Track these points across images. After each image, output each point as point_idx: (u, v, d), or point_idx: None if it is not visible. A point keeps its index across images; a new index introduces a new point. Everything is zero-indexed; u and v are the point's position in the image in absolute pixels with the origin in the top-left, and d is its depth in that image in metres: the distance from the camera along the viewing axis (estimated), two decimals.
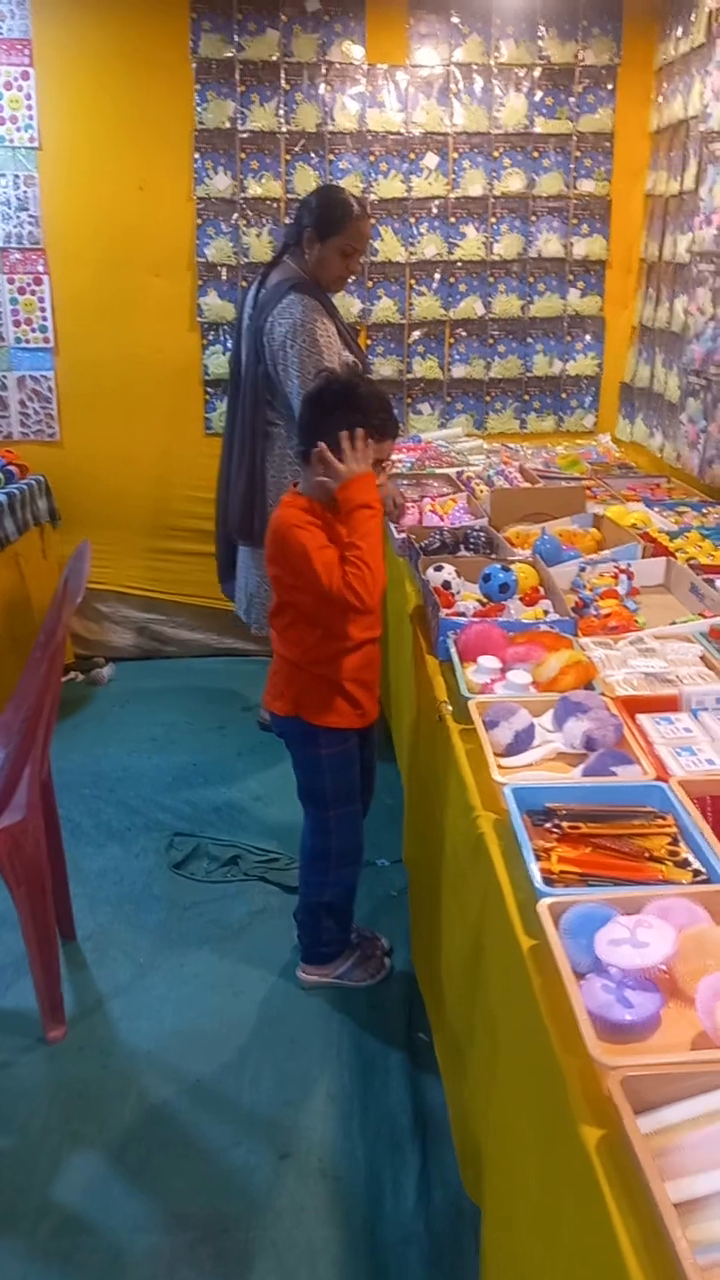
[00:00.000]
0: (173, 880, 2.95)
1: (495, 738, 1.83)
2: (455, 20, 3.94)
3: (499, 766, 1.78)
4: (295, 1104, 2.21)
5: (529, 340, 4.30)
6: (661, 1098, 1.12)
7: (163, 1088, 2.25)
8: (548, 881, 1.44)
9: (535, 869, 1.44)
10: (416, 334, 4.24)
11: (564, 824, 1.57)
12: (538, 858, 1.49)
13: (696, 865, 1.48)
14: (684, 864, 1.49)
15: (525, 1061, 1.36)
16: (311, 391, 2.20)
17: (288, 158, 4.02)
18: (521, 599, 2.44)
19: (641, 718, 1.87)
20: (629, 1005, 1.24)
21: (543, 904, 1.37)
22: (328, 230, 3.05)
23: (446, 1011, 2.01)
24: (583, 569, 2.59)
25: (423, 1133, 2.13)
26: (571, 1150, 1.13)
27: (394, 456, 3.84)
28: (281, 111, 3.97)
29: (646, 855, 1.51)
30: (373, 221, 4.06)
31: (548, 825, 1.59)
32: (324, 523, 2.18)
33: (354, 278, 3.24)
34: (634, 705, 1.91)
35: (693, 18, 3.57)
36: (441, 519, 3.10)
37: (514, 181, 4.13)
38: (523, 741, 1.84)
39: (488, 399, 4.36)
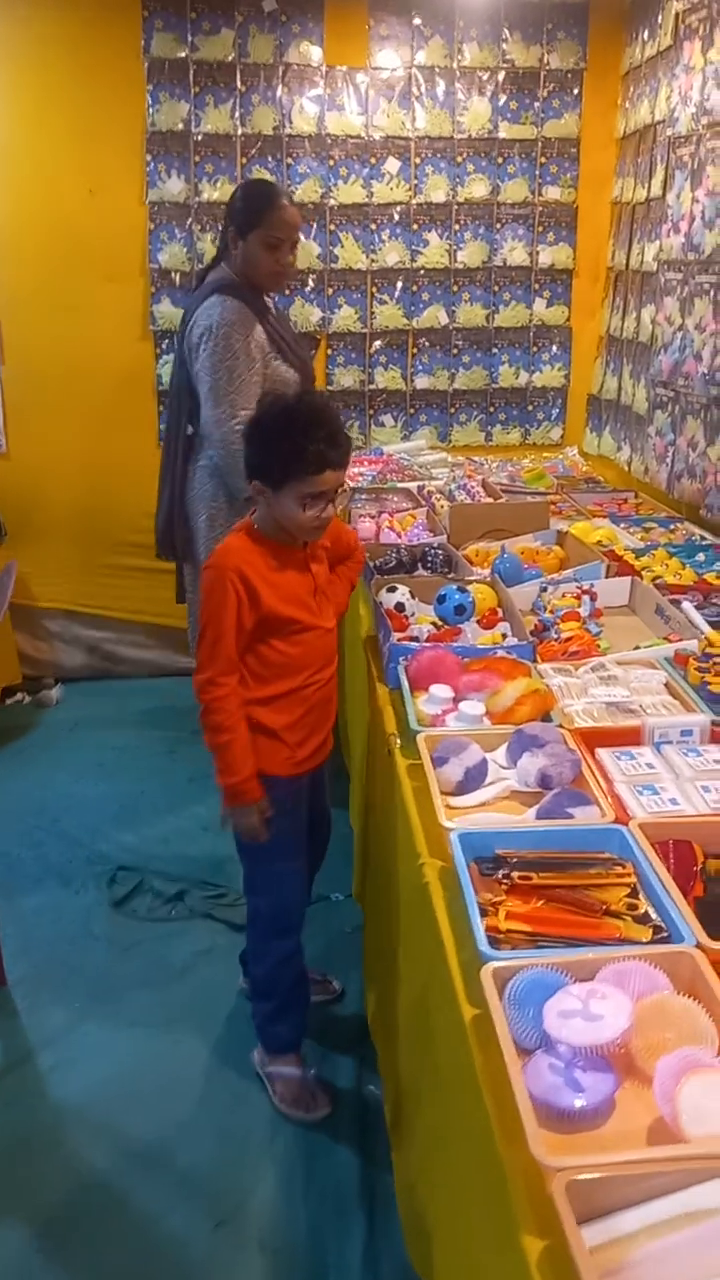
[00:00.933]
0: (114, 918, 2.79)
1: (444, 775, 1.70)
2: (417, 22, 3.83)
3: (448, 807, 1.65)
4: (234, 1165, 2.05)
5: (494, 351, 4.18)
6: (614, 1201, 0.98)
7: (93, 1148, 2.09)
8: (493, 941, 1.30)
9: (480, 928, 1.30)
10: (378, 343, 4.12)
11: (514, 874, 1.43)
12: (484, 913, 1.36)
13: (657, 920, 1.35)
14: (643, 919, 1.36)
15: (468, 1149, 1.22)
16: (251, 420, 1.98)
17: (244, 161, 3.89)
18: (479, 622, 2.31)
19: (601, 752, 1.74)
20: (579, 1089, 1.10)
21: (486, 970, 1.23)
22: (248, 224, 2.83)
23: (397, 1068, 1.87)
24: (544, 589, 2.46)
25: (370, 1197, 1.98)
26: (514, 1261, 0.99)
27: (354, 469, 3.72)
28: (237, 114, 3.84)
29: (603, 909, 1.38)
30: (333, 226, 3.95)
31: (497, 875, 1.45)
32: (270, 556, 1.96)
33: (291, 273, 2.99)
34: (594, 738, 1.78)
35: (659, 20, 3.47)
36: (399, 536, 2.96)
37: (478, 188, 4.01)
38: (474, 779, 1.71)
39: (452, 411, 4.24)
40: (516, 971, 1.22)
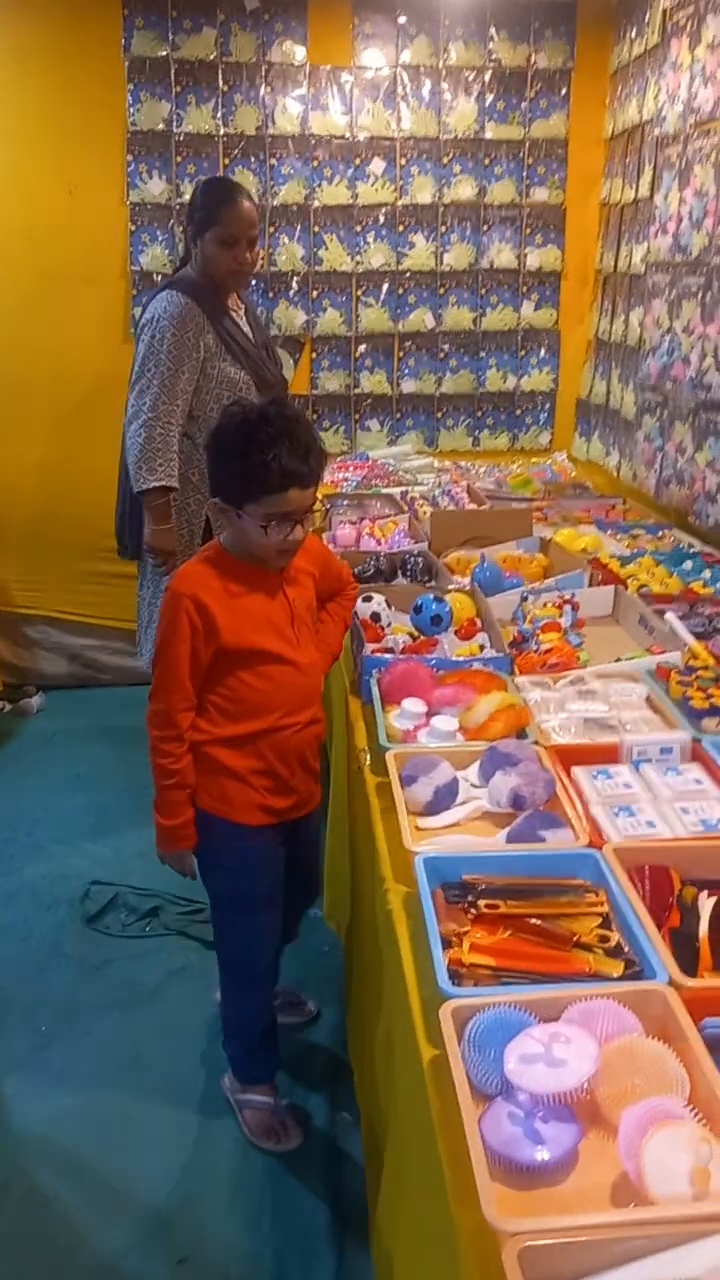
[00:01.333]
0: (85, 935, 2.71)
1: (413, 795, 1.62)
2: (402, 20, 3.77)
3: (416, 828, 1.58)
4: (198, 1199, 1.97)
5: (481, 354, 4.12)
6: (571, 1269, 0.90)
7: (52, 1180, 2.01)
8: (455, 976, 1.23)
9: (441, 962, 1.23)
10: (363, 347, 4.05)
11: (480, 902, 1.36)
12: (447, 944, 1.28)
13: (629, 954, 1.28)
14: (615, 951, 1.29)
15: (423, 1202, 1.14)
16: (212, 431, 1.80)
17: (226, 161, 3.82)
18: (456, 632, 2.24)
19: (577, 771, 1.67)
20: (539, 1141, 1.03)
21: (445, 1009, 1.15)
22: (205, 223, 2.78)
23: (371, 1099, 1.79)
24: (525, 598, 2.39)
25: (341, 1232, 1.90)
26: None
27: (339, 475, 3.66)
28: (219, 113, 3.77)
29: (573, 940, 1.31)
30: (317, 228, 3.88)
31: (464, 903, 1.38)
32: (236, 580, 1.80)
33: (250, 270, 2.88)
34: (569, 756, 1.71)
35: (646, 18, 3.41)
36: (379, 543, 2.89)
37: (464, 189, 3.95)
38: (444, 799, 1.63)
39: (439, 415, 4.17)
40: (478, 1010, 1.15)
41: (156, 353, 2.74)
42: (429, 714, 1.84)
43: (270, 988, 2.08)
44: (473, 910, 1.35)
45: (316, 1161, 2.05)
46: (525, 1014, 1.15)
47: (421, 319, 4.04)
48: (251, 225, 2.81)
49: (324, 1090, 2.22)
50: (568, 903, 1.37)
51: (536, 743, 1.73)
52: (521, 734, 1.77)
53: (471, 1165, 0.98)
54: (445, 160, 3.92)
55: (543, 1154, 1.02)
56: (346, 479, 3.64)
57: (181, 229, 3.81)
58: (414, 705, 1.82)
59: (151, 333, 2.75)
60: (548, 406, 4.22)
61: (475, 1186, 0.96)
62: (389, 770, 1.66)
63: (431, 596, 2.25)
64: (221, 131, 3.79)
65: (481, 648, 2.17)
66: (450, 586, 2.44)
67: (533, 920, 1.33)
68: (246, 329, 2.95)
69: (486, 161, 3.94)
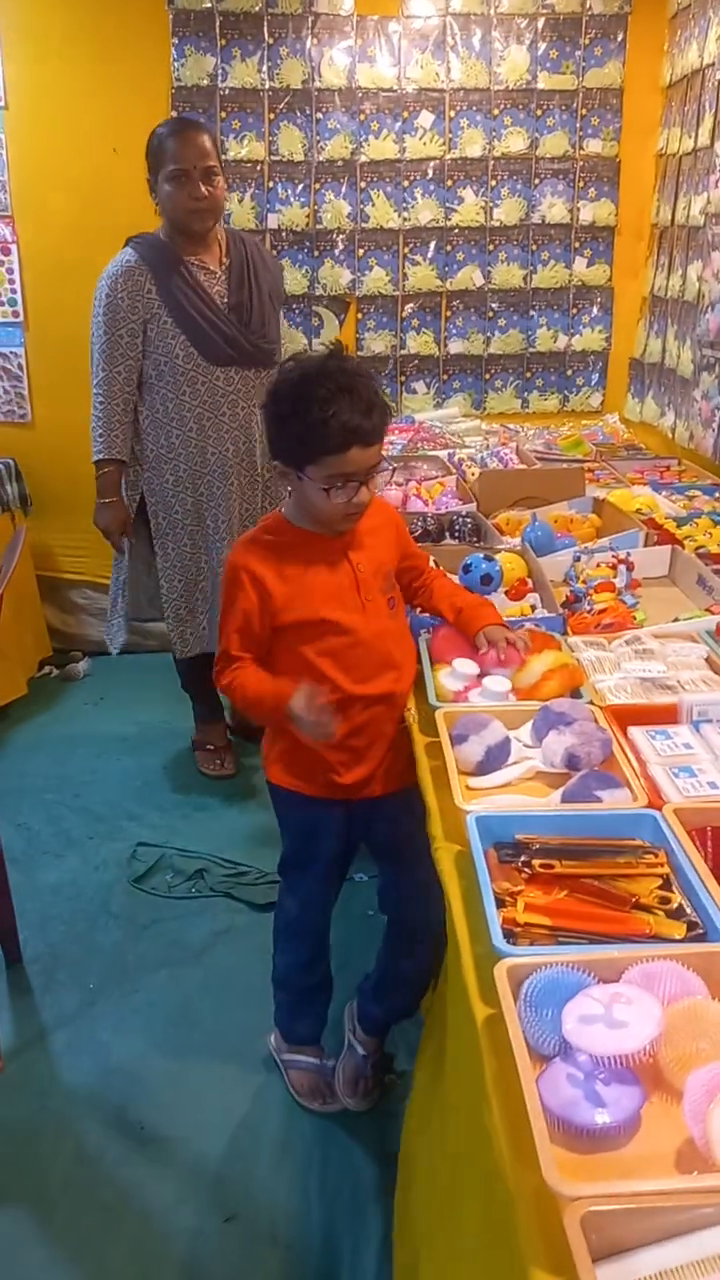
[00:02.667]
0: (133, 895, 2.72)
1: (464, 754, 1.59)
2: None
3: (467, 788, 1.54)
4: (247, 1157, 1.97)
5: (531, 313, 4.03)
6: (634, 1237, 0.87)
7: (102, 1135, 2.03)
8: (510, 935, 1.19)
9: (495, 921, 1.19)
10: (410, 306, 3.98)
11: (535, 862, 1.32)
12: (501, 903, 1.25)
13: (691, 915, 1.23)
14: (677, 913, 1.24)
15: (474, 1165, 1.12)
16: (269, 391, 1.72)
17: (271, 117, 3.76)
18: (506, 593, 2.19)
19: (634, 731, 1.62)
20: (600, 1104, 1.00)
21: (500, 967, 1.12)
22: (154, 166, 2.69)
23: (416, 1062, 1.78)
24: (577, 559, 2.33)
25: (389, 1193, 1.89)
26: None
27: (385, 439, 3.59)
28: (265, 67, 3.70)
29: (633, 902, 1.27)
30: (363, 184, 3.80)
31: (517, 862, 1.34)
32: (297, 549, 1.75)
33: (210, 205, 2.72)
34: (626, 716, 1.66)
35: None
36: (426, 504, 2.84)
37: (515, 142, 3.85)
38: (495, 759, 1.59)
39: (487, 377, 4.09)
40: (534, 970, 1.12)
41: (95, 318, 2.73)
42: (480, 675, 1.80)
43: (319, 949, 2.05)
44: (527, 870, 1.32)
45: (365, 1120, 2.04)
46: (584, 974, 1.11)
47: (470, 277, 3.96)
48: (202, 155, 2.66)
49: None
50: (626, 863, 1.33)
51: (591, 703, 1.68)
52: (576, 694, 1.72)
53: (529, 1127, 0.95)
54: (496, 112, 3.82)
55: (604, 1117, 0.99)
56: (392, 442, 3.58)
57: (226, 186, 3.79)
58: (465, 666, 1.78)
59: (95, 295, 2.75)
60: (600, 366, 4.12)
61: (533, 1149, 0.93)
62: (439, 729, 1.63)
63: (481, 555, 2.20)
64: (267, 85, 3.72)
65: (533, 608, 2.13)
66: (499, 546, 2.39)
67: (590, 880, 1.30)
68: (219, 289, 2.79)
69: (538, 112, 3.84)
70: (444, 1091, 1.35)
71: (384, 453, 3.29)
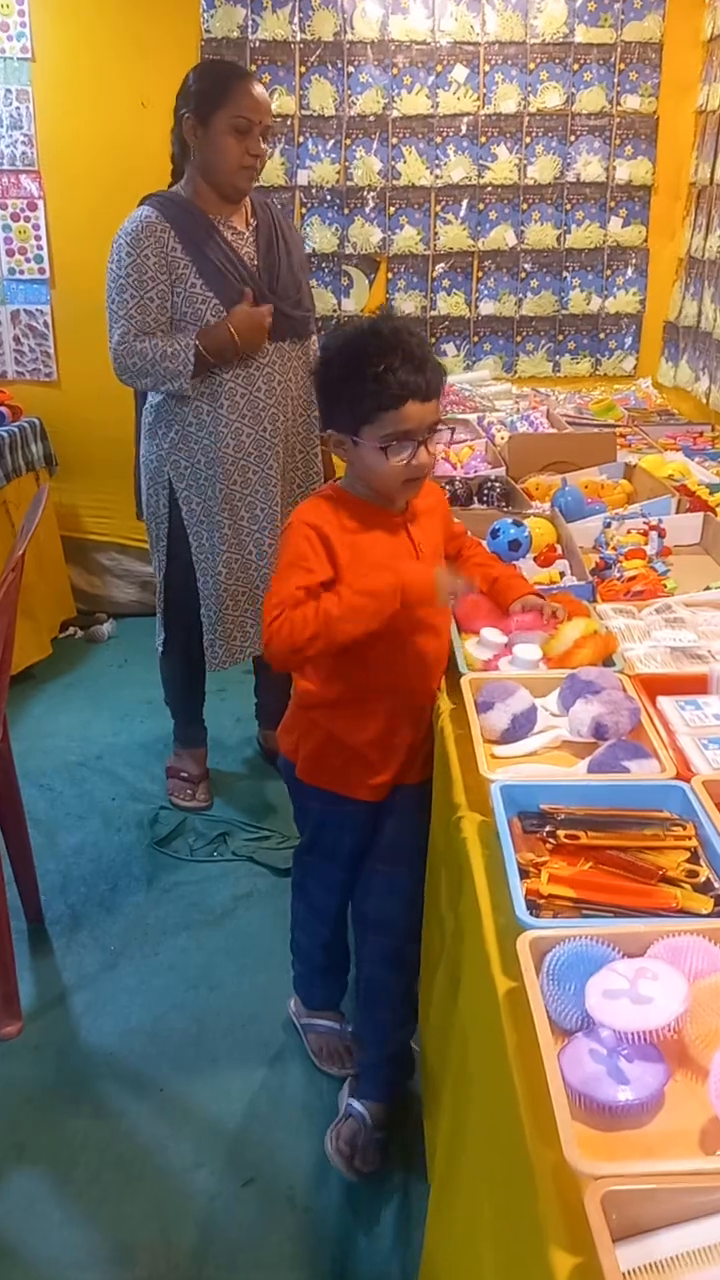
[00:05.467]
0: (154, 858, 2.72)
1: (489, 722, 1.56)
2: None
3: (491, 757, 1.51)
4: (266, 1120, 1.98)
5: (565, 274, 3.95)
6: (654, 1218, 0.85)
7: (121, 1096, 2.04)
8: (533, 907, 1.17)
9: (519, 891, 1.17)
10: (441, 266, 3.91)
11: (560, 832, 1.30)
12: (525, 874, 1.23)
13: None
14: (705, 887, 1.22)
15: (493, 1141, 1.10)
16: (318, 359, 1.67)
17: (303, 70, 3.68)
18: (535, 558, 2.15)
19: (663, 701, 1.58)
20: (623, 1080, 0.98)
21: (524, 939, 1.10)
22: (212, 105, 2.34)
23: (427, 1029, 1.76)
24: (607, 525, 2.29)
25: (408, 1159, 1.89)
26: (538, 1276, 0.87)
27: None
28: (296, 19, 3.62)
29: (659, 875, 1.24)
30: (395, 139, 3.72)
31: (542, 832, 1.32)
32: (354, 517, 1.66)
33: (261, 167, 2.48)
34: (655, 686, 1.62)
35: None
36: (455, 468, 2.80)
37: (551, 97, 3.75)
38: (521, 727, 1.57)
39: (518, 339, 4.02)
40: (557, 942, 1.10)
41: (117, 281, 2.46)
42: (509, 644, 1.76)
43: (339, 929, 2.01)
44: (552, 840, 1.30)
45: (410, 1069, 2.03)
46: (608, 948, 1.09)
47: (503, 236, 3.88)
48: (268, 111, 2.45)
49: None
50: (653, 835, 1.30)
51: (621, 672, 1.65)
52: (608, 662, 1.69)
53: (549, 1103, 0.93)
54: (531, 66, 3.72)
55: (626, 1094, 0.97)
56: None
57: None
58: (493, 635, 1.75)
59: (111, 254, 2.47)
60: (633, 330, 4.04)
61: (554, 1125, 0.92)
62: (464, 696, 1.60)
63: (510, 520, 2.17)
64: (298, 38, 3.64)
65: (561, 575, 2.09)
66: (528, 511, 2.35)
67: (615, 852, 1.27)
68: (248, 250, 2.54)
69: (575, 67, 3.73)
70: (459, 1056, 1.33)
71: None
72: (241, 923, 2.48)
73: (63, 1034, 2.17)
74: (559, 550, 2.19)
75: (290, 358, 2.64)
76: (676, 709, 1.55)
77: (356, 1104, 1.91)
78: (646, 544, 2.19)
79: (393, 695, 1.72)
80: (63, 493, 4.00)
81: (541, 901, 1.19)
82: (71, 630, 4.07)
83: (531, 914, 1.15)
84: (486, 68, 3.71)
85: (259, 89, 2.45)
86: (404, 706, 1.73)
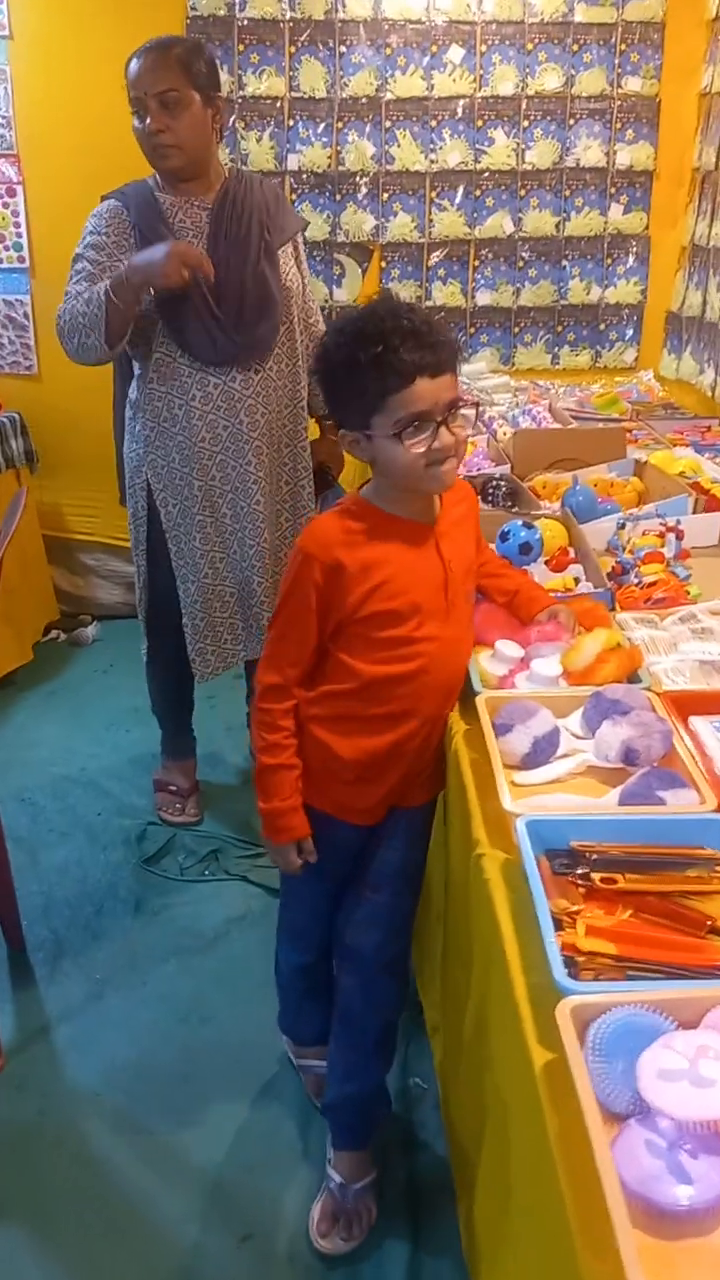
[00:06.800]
0: (142, 877, 2.58)
1: (508, 746, 1.43)
2: None
3: (512, 784, 1.39)
4: (263, 1169, 1.84)
5: (564, 263, 3.81)
6: None
7: (108, 1140, 1.90)
8: (570, 964, 1.04)
9: (556, 952, 1.04)
10: (437, 255, 3.76)
11: (594, 875, 1.17)
12: (558, 925, 1.10)
13: None
14: None
15: (537, 1245, 0.97)
16: (315, 357, 1.53)
17: (292, 50, 3.53)
18: (547, 563, 2.02)
19: (696, 721, 1.46)
20: (686, 1179, 0.85)
21: (563, 1007, 0.97)
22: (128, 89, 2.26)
23: (452, 1102, 1.63)
24: (621, 526, 2.16)
25: (414, 1211, 1.76)
26: None
27: None
28: None
29: (708, 925, 1.11)
30: (388, 123, 3.58)
31: (574, 874, 1.19)
32: (377, 529, 1.51)
33: (165, 140, 2.23)
34: (686, 704, 1.50)
35: None
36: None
37: (550, 79, 3.61)
38: (543, 751, 1.44)
39: (516, 330, 3.88)
40: (602, 1011, 0.97)
41: (77, 251, 2.37)
42: (526, 656, 1.63)
43: (324, 952, 1.84)
44: (585, 883, 1.17)
45: (387, 1129, 1.90)
46: (660, 1016, 0.97)
47: (500, 224, 3.74)
48: (156, 80, 2.19)
49: (395, 1053, 2.07)
50: (697, 878, 1.18)
51: (649, 689, 1.52)
52: (633, 678, 1.56)
53: (600, 1203, 0.80)
54: (530, 46, 3.58)
55: (690, 1195, 0.84)
56: None
57: (243, 124, 3.58)
58: (508, 648, 1.62)
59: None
60: (634, 320, 3.91)
61: (607, 1231, 0.79)
62: (480, 718, 1.47)
63: (520, 522, 2.03)
64: (288, 15, 3.49)
65: (576, 580, 1.96)
66: (537, 512, 2.22)
67: (657, 898, 1.15)
68: (202, 244, 2.31)
69: (575, 47, 3.59)
70: (494, 1140, 1.20)
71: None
72: (234, 947, 2.35)
73: (45, 1071, 2.04)
74: (572, 553, 2.06)
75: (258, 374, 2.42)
76: (712, 731, 1.43)
77: (333, 1174, 1.76)
78: (664, 546, 2.06)
79: (399, 718, 1.57)
80: (45, 490, 3.85)
81: (580, 958, 1.06)
82: (55, 634, 3.92)
83: (570, 974, 1.03)
84: (483, 48, 3.57)
85: (151, 58, 2.25)
86: (410, 728, 1.58)
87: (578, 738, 1.48)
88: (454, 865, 1.51)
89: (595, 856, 1.20)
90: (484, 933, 1.24)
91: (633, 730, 1.39)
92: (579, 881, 1.17)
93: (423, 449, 1.42)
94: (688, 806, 1.27)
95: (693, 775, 1.32)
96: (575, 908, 1.13)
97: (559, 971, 1.01)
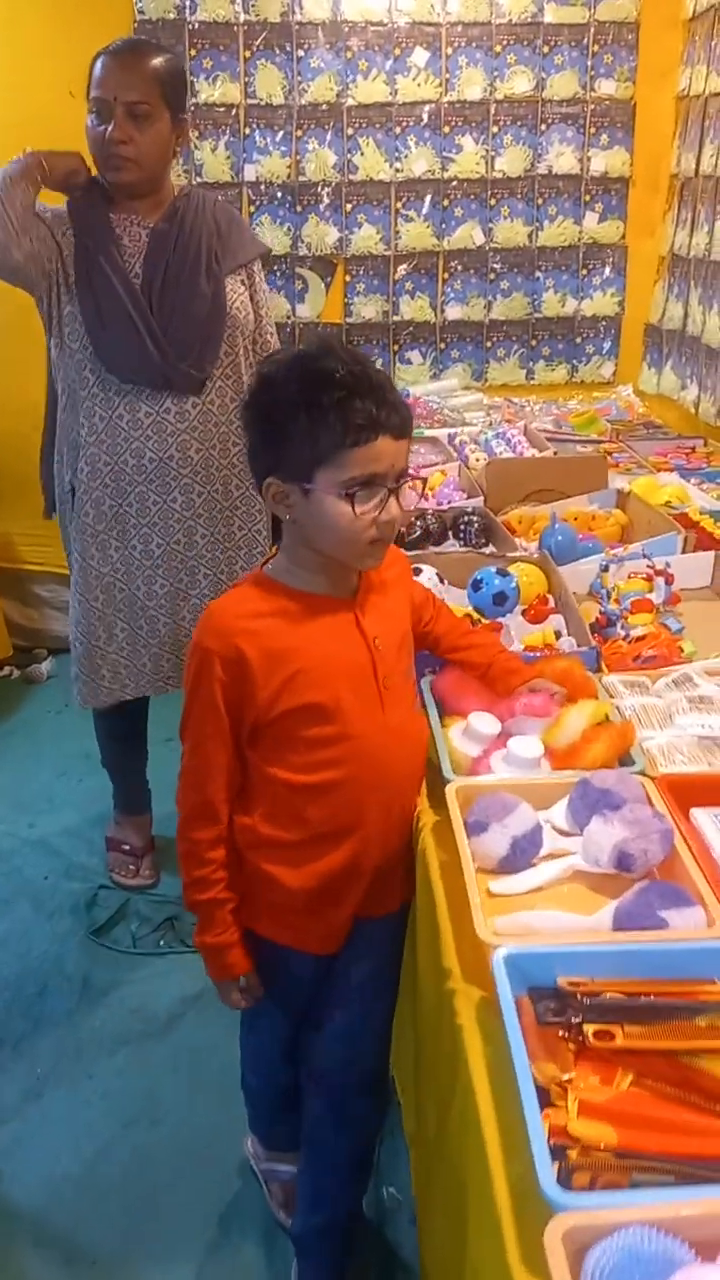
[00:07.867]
0: (91, 951, 2.37)
1: (483, 848, 1.24)
2: None
3: (488, 894, 1.20)
4: None
5: (537, 274, 3.64)
6: None
7: (46, 1270, 1.70)
8: (559, 1155, 0.85)
9: (542, 1144, 0.85)
10: (404, 268, 3.58)
11: (587, 1028, 0.98)
12: (544, 1098, 0.91)
13: None
14: None
15: None
16: (244, 403, 1.33)
17: (247, 54, 3.34)
18: (524, 613, 1.84)
19: (698, 814, 1.27)
20: None
21: (554, 1230, 0.78)
22: (87, 88, 2.11)
23: (431, 1208, 1.43)
24: (605, 568, 1.98)
25: None
26: None
27: None
28: None
29: None
30: (350, 130, 3.40)
31: (562, 1024, 1.00)
32: (291, 612, 1.32)
33: (122, 152, 2.06)
34: (685, 792, 1.31)
35: None
36: (425, 498, 2.48)
37: (520, 82, 3.44)
38: (524, 853, 1.25)
39: (488, 345, 3.71)
40: (602, 1234, 0.78)
41: None
42: (504, 732, 1.44)
43: (293, 1071, 1.63)
44: (577, 1038, 0.98)
45: (360, 1246, 1.71)
46: (674, 1240, 0.77)
47: (469, 234, 3.56)
48: (131, 86, 2.02)
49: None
50: (708, 1028, 0.99)
51: (643, 773, 1.34)
52: (625, 759, 1.37)
53: None
54: (498, 49, 3.40)
55: None
56: None
57: (196, 134, 3.38)
58: (483, 723, 1.42)
59: None
60: (612, 333, 3.74)
61: None
62: (451, 813, 1.28)
63: (493, 570, 1.85)
64: (241, 19, 3.30)
65: (558, 634, 1.77)
66: (514, 554, 2.04)
67: (663, 1058, 0.96)
68: (136, 272, 2.14)
69: (545, 49, 3.42)
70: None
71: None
72: (190, 1032, 2.15)
73: None
74: (551, 602, 1.88)
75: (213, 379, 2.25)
76: (717, 829, 1.24)
77: None
78: (652, 591, 1.88)
79: (342, 835, 1.37)
80: None
81: (572, 1150, 0.87)
82: (7, 670, 3.71)
83: (561, 1173, 0.84)
84: (449, 51, 3.40)
85: (129, 60, 2.08)
86: (370, 838, 1.38)
87: (563, 834, 1.29)
88: (424, 991, 1.32)
89: (588, 1000, 1.01)
90: (460, 1094, 1.05)
91: (626, 830, 1.21)
92: (570, 1036, 0.98)
93: (372, 516, 1.25)
94: (695, 933, 1.09)
95: (699, 889, 1.14)
96: (566, 1076, 0.94)
97: (548, 1181, 0.82)
